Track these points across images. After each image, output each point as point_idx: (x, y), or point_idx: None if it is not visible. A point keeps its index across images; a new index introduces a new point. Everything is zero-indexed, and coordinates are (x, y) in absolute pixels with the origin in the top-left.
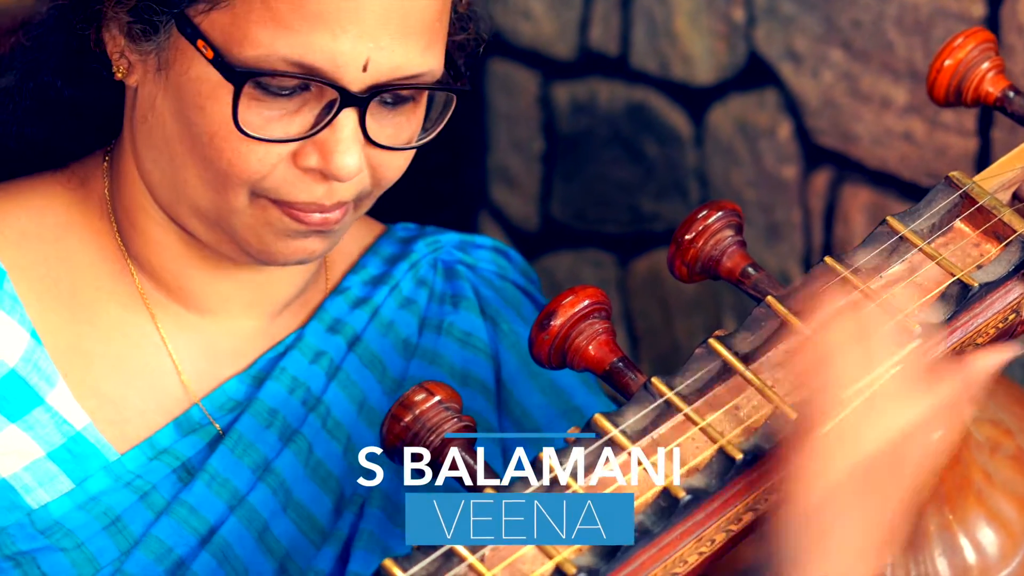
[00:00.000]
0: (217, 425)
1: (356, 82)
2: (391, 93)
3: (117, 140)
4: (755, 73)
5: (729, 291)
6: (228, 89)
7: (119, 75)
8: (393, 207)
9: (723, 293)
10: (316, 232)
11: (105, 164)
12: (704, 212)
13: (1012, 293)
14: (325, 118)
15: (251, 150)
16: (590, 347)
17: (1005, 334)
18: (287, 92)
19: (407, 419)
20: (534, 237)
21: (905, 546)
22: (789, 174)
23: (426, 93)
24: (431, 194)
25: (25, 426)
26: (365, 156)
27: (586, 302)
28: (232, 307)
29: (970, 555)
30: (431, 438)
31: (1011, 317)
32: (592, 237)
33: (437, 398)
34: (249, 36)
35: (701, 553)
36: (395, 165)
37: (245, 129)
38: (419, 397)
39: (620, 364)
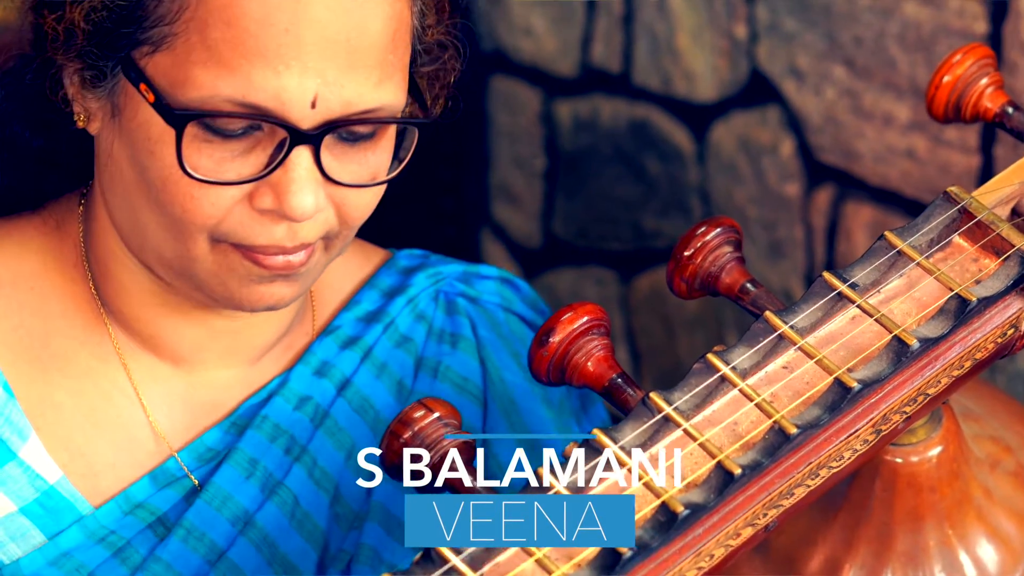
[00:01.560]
0: (193, 477)
1: (306, 119)
2: (347, 129)
3: (92, 183)
4: (757, 90)
5: (731, 308)
6: (173, 133)
7: (80, 123)
8: (395, 225)
9: (725, 310)
10: (281, 276)
11: (80, 208)
12: (702, 228)
13: (1011, 308)
14: (277, 157)
15: (204, 194)
16: (588, 363)
17: (1004, 349)
18: (238, 133)
19: (406, 435)
20: (536, 254)
21: (904, 561)
22: (791, 191)
23: (392, 127)
24: (433, 211)
25: None
26: (326, 195)
27: (584, 319)
28: (207, 356)
29: (970, 572)
30: (430, 454)
31: (1010, 332)
32: (594, 254)
33: (436, 414)
34: (191, 78)
35: (700, 568)
36: (362, 203)
37: (193, 172)
38: (418, 414)
39: (619, 380)
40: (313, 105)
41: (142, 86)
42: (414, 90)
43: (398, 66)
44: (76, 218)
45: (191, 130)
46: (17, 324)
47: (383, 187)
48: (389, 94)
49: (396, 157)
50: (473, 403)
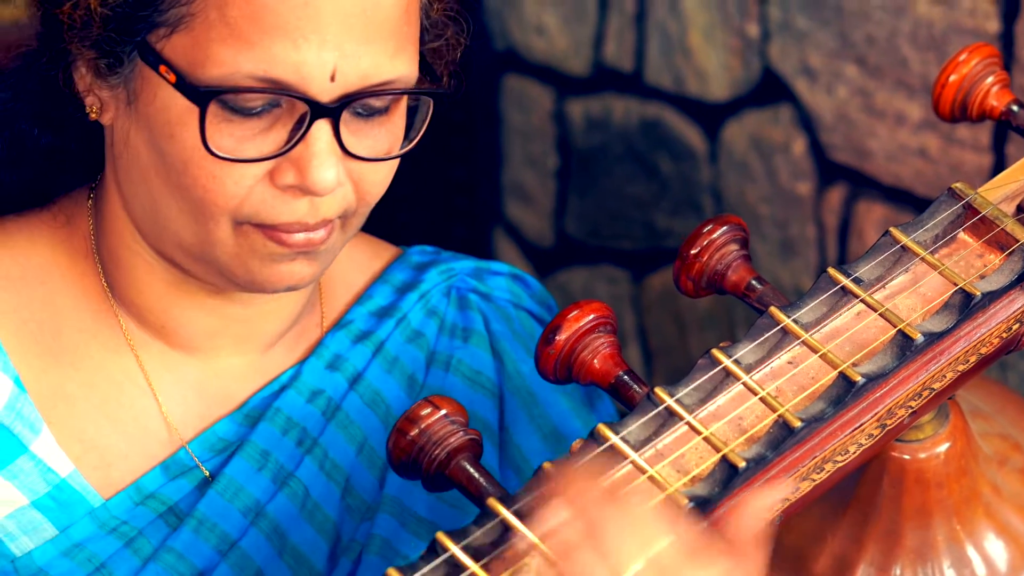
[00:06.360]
0: (204, 468)
1: (325, 93)
2: (363, 103)
3: (101, 177)
4: (770, 89)
5: (743, 306)
6: (195, 113)
7: (93, 115)
8: (408, 223)
9: (737, 308)
10: (302, 254)
11: (90, 202)
12: (709, 227)
13: (1016, 303)
14: (298, 133)
15: (226, 173)
16: (595, 361)
17: (1010, 344)
18: (257, 110)
19: (412, 433)
20: (549, 253)
21: (913, 558)
22: (804, 190)
23: (404, 101)
24: (446, 210)
25: (9, 475)
26: (345, 170)
27: (591, 316)
28: (220, 344)
29: (979, 568)
30: (437, 452)
31: (1015, 327)
32: (606, 253)
33: (443, 412)
34: (211, 56)
35: None
36: (378, 178)
37: (215, 151)
38: (425, 411)
39: (625, 377)
40: (332, 78)
41: (162, 68)
42: (424, 64)
43: (411, 38)
44: (86, 212)
45: (212, 109)
46: (28, 318)
47: (396, 162)
48: (404, 66)
49: (407, 136)
50: (486, 396)
